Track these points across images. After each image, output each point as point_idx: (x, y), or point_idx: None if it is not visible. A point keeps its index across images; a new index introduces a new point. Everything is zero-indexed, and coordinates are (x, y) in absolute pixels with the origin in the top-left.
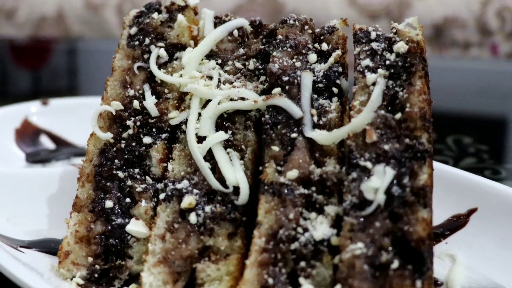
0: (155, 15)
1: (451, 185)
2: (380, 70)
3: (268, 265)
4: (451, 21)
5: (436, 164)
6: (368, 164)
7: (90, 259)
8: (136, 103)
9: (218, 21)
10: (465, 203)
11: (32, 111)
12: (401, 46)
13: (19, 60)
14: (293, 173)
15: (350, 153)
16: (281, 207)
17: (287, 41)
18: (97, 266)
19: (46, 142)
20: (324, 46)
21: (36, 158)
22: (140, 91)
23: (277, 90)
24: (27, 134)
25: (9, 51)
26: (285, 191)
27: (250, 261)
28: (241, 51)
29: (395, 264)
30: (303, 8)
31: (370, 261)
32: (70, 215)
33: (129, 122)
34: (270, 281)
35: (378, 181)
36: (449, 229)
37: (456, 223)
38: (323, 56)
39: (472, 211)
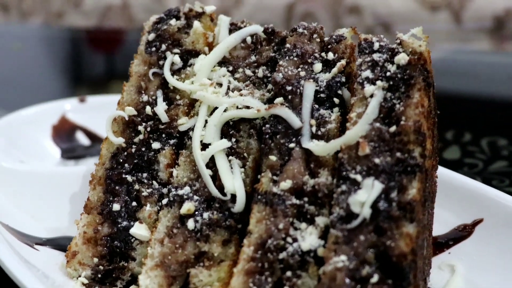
0: (172, 21)
1: (460, 194)
2: (378, 82)
3: (255, 273)
4: None
5: (446, 172)
6: (358, 177)
7: (96, 260)
8: (148, 109)
9: (234, 28)
10: (472, 213)
11: (69, 108)
12: (401, 58)
13: (94, 46)
14: (286, 184)
15: (340, 166)
16: (272, 217)
17: (294, 50)
18: (101, 267)
19: (82, 139)
20: (330, 56)
21: (71, 154)
22: (154, 97)
23: (279, 99)
24: (64, 130)
25: (84, 39)
26: (277, 201)
27: (238, 269)
28: (253, 58)
29: (375, 278)
30: (363, 1)
31: (351, 274)
32: (80, 216)
33: (140, 128)
34: None
35: (365, 195)
36: (453, 239)
37: (461, 233)
38: (328, 66)
39: (477, 222)
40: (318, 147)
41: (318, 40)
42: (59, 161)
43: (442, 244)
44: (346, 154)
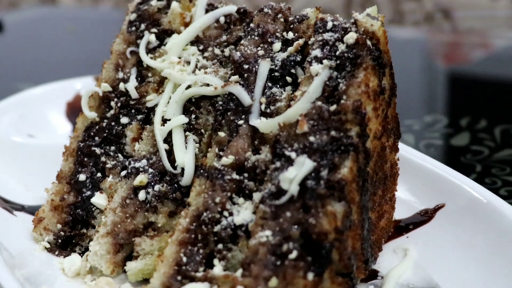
0: (153, 2)
1: (425, 178)
2: (325, 61)
3: (187, 244)
4: None
5: (418, 156)
6: (293, 155)
7: (59, 226)
8: (122, 85)
9: (210, 8)
10: (435, 198)
11: (84, 86)
12: (350, 37)
13: None
14: (227, 160)
15: (276, 143)
16: (210, 191)
17: (257, 30)
18: (62, 233)
19: None
20: (290, 35)
21: None
22: (128, 74)
23: (234, 77)
24: (78, 107)
25: None
26: (217, 175)
27: (171, 239)
28: (224, 38)
29: (293, 254)
30: None
31: (273, 250)
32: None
33: (112, 103)
34: (185, 259)
35: (295, 172)
36: (413, 224)
37: (422, 217)
38: (288, 45)
39: (439, 207)
40: (262, 124)
41: (282, 20)
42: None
43: (402, 228)
44: (285, 131)
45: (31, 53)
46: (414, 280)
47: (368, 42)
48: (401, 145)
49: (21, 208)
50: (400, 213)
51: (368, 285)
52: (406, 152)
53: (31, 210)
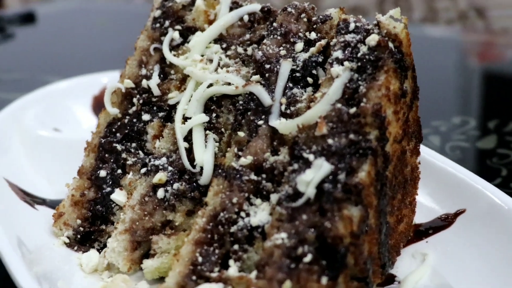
0: None
1: (447, 182)
2: (346, 63)
3: (203, 244)
4: None
5: (439, 159)
6: (311, 157)
7: (79, 221)
8: (144, 82)
9: (235, 6)
10: (457, 203)
11: (111, 80)
12: (372, 39)
13: None
14: (246, 160)
15: (294, 144)
16: (228, 191)
17: (279, 29)
18: (82, 228)
19: None
20: (313, 35)
21: None
22: (151, 71)
23: (255, 77)
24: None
25: None
26: (236, 176)
27: (188, 239)
28: (247, 36)
29: (308, 257)
30: None
31: (288, 252)
32: (72, 180)
33: (135, 100)
34: (200, 259)
35: (312, 175)
36: (433, 228)
37: (443, 222)
38: (310, 46)
39: (460, 212)
40: (282, 125)
41: (306, 19)
42: None
43: (422, 232)
44: (304, 133)
45: (61, 45)
46: (431, 286)
47: (390, 45)
48: (423, 148)
49: (43, 202)
50: (421, 217)
51: None
52: (428, 155)
53: (53, 204)
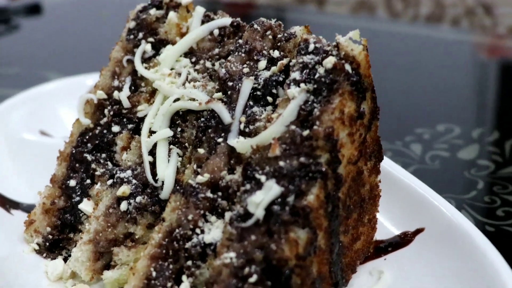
0: (152, 11)
1: (408, 200)
2: (302, 85)
3: (158, 259)
4: None
5: (404, 175)
6: (263, 178)
7: (48, 229)
8: (116, 94)
9: (207, 20)
10: (417, 220)
11: (92, 82)
12: (328, 61)
13: None
14: (203, 178)
15: (247, 165)
16: (184, 208)
17: (244, 46)
18: (51, 236)
19: None
20: (276, 54)
21: None
22: (123, 83)
23: (217, 94)
24: None
25: None
26: (192, 193)
27: (144, 253)
28: (216, 51)
29: (253, 278)
30: None
31: (235, 272)
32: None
33: (106, 111)
34: (154, 274)
35: (261, 196)
36: (392, 245)
37: (402, 240)
38: (273, 64)
39: (419, 231)
40: (238, 144)
41: (271, 37)
42: None
43: (381, 249)
44: (258, 153)
45: (67, 38)
46: None
47: (348, 67)
48: (390, 164)
49: (17, 207)
50: (383, 234)
51: None
52: (394, 171)
53: (30, 209)
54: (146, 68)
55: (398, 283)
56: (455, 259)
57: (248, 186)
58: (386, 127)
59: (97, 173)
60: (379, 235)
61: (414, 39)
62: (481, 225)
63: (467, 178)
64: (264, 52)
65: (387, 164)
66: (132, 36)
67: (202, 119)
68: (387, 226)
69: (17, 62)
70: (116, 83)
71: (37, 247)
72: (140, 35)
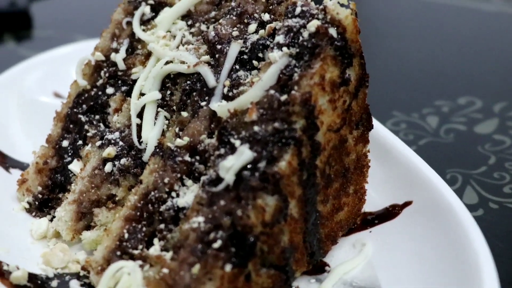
0: None
1: (399, 172)
2: (285, 49)
3: (132, 221)
4: None
5: (398, 147)
6: (237, 143)
7: (39, 188)
8: (113, 55)
9: None
10: (406, 193)
11: None
12: (311, 25)
13: None
14: (182, 141)
15: (222, 129)
16: (161, 171)
17: (236, 9)
18: (41, 195)
19: None
20: (266, 17)
21: None
22: (121, 45)
23: (205, 57)
24: None
25: None
26: (170, 156)
27: (119, 215)
28: (212, 14)
29: (217, 243)
30: None
31: (201, 236)
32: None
33: (102, 73)
34: (126, 235)
35: (232, 161)
36: (379, 218)
37: (389, 213)
38: (263, 27)
39: (406, 204)
40: (219, 108)
41: (264, 0)
42: None
43: (368, 221)
44: (235, 118)
45: (97, 1)
46: (360, 278)
47: (332, 31)
48: (386, 135)
49: (17, 166)
50: (372, 206)
51: (310, 279)
52: (389, 142)
53: (24, 168)
54: (144, 30)
55: (379, 256)
56: (437, 235)
57: (222, 151)
58: (404, 98)
59: (89, 134)
60: (368, 207)
61: (437, 6)
62: (485, 201)
63: (480, 152)
64: (256, 15)
65: (383, 135)
66: None
67: (188, 82)
68: (377, 198)
69: (51, 26)
70: (114, 45)
71: (27, 206)
72: None
